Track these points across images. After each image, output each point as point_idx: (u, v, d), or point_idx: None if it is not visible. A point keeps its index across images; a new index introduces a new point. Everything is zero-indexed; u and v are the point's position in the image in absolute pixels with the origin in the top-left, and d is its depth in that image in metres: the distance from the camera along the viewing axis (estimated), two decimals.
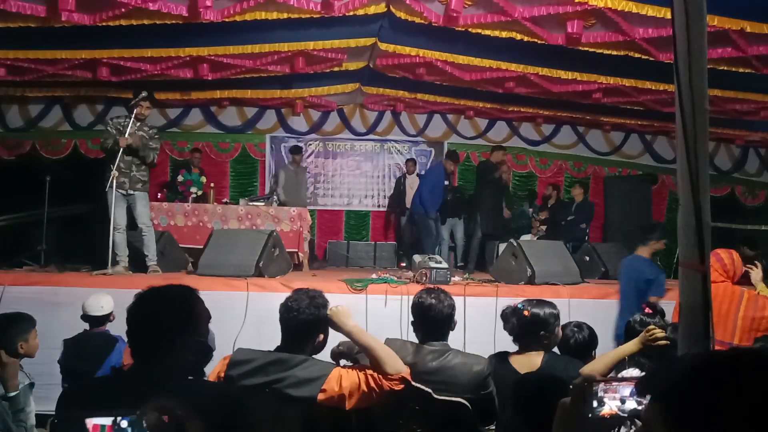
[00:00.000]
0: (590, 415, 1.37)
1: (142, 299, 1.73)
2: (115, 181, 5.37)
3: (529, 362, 2.71)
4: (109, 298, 3.72)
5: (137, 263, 5.61)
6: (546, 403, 2.03)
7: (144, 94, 5.57)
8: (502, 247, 8.62)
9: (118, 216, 5.44)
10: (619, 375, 2.63)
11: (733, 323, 3.36)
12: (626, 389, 1.46)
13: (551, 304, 2.82)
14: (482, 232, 7.97)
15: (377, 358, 2.22)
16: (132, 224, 5.66)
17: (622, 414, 1.40)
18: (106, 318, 3.65)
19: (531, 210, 9.78)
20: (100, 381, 2.04)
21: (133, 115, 5.47)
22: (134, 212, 5.59)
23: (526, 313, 2.76)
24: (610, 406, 1.38)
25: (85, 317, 3.64)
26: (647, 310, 2.79)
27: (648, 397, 0.92)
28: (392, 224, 10.01)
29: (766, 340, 2.73)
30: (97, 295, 3.73)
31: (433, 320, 2.63)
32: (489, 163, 8.21)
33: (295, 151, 9.26)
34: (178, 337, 1.68)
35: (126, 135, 5.39)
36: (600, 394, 1.38)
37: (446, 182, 8.22)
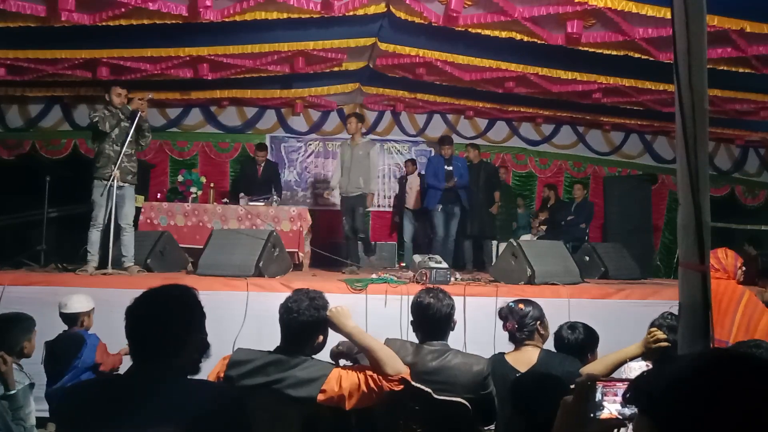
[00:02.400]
0: (592, 415, 1.35)
1: (140, 302, 1.71)
2: (105, 173, 5.30)
3: (526, 358, 2.75)
4: (82, 298, 3.71)
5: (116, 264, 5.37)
6: (545, 401, 2.04)
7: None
8: (498, 246, 8.62)
9: (101, 213, 5.32)
10: (624, 374, 2.63)
11: (731, 321, 3.37)
12: None
13: (532, 301, 2.98)
14: (469, 233, 7.91)
15: (377, 358, 2.22)
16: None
17: (621, 417, 1.38)
18: (76, 318, 3.63)
19: (523, 210, 9.85)
20: (100, 384, 2.03)
21: (113, 105, 5.44)
22: (120, 209, 5.38)
23: (521, 306, 2.87)
24: (610, 410, 1.36)
25: (60, 315, 3.65)
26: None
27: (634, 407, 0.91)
28: (393, 224, 10.00)
29: (743, 347, 2.72)
30: (71, 294, 3.73)
31: (432, 319, 2.64)
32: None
33: (352, 119, 7.05)
34: (180, 337, 1.66)
35: (108, 128, 5.34)
36: (599, 396, 1.36)
37: (448, 167, 7.46)
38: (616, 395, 1.38)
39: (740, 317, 3.37)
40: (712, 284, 3.16)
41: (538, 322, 2.85)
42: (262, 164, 8.53)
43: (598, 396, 1.36)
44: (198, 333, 1.74)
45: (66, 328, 3.67)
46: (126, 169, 5.46)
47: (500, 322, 2.96)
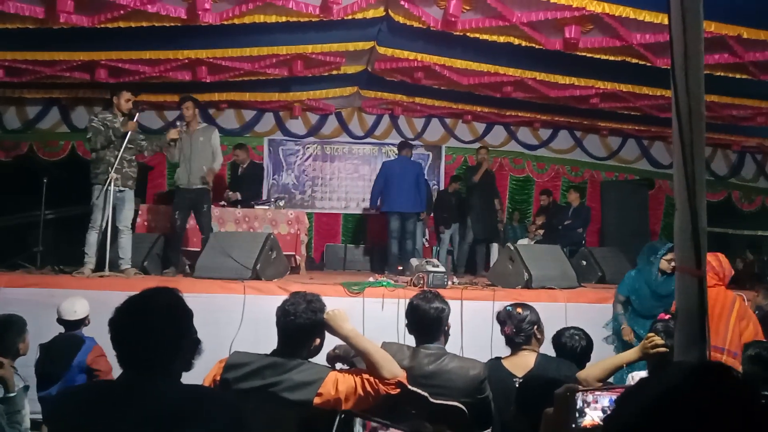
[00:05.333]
0: (573, 426, 1.35)
1: (123, 312, 1.65)
2: (104, 178, 5.29)
3: (523, 363, 2.74)
4: (84, 302, 3.71)
5: (113, 266, 5.38)
6: (548, 406, 2.04)
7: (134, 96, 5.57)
8: (493, 249, 8.66)
9: (99, 215, 5.34)
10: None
11: (726, 327, 3.44)
12: (606, 399, 1.44)
13: (529, 305, 2.94)
14: (474, 236, 7.92)
15: (374, 362, 2.21)
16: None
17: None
18: (81, 322, 3.65)
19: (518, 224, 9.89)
20: (92, 389, 2.00)
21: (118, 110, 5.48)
22: (119, 213, 5.40)
23: (519, 310, 2.84)
24: (592, 417, 1.36)
25: (60, 321, 3.64)
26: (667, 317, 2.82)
27: None
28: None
29: (759, 347, 2.74)
30: (72, 299, 3.72)
31: (423, 321, 2.64)
32: (472, 167, 8.24)
33: (189, 104, 6.11)
34: (170, 346, 1.63)
35: (99, 146, 5.37)
36: (580, 404, 1.37)
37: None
38: (596, 402, 1.38)
39: (734, 323, 3.45)
40: (708, 291, 3.24)
41: (536, 327, 2.83)
42: (243, 164, 8.24)
43: (579, 404, 1.37)
44: (188, 336, 1.70)
45: (62, 330, 3.66)
46: (127, 174, 5.48)
47: (497, 326, 2.95)
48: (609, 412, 0.97)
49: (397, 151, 7.95)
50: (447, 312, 2.68)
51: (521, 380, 2.55)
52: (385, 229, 9.91)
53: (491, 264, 8.15)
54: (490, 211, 8.10)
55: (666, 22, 1.63)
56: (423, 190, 7.59)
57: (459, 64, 6.78)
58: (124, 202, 5.48)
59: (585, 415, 1.36)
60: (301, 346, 2.31)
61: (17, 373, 3.08)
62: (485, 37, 5.87)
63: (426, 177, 9.19)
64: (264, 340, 2.49)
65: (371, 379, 2.19)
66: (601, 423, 1.35)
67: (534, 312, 2.88)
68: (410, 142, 8.55)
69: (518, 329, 2.79)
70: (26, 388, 3.09)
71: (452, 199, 8.85)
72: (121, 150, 5.31)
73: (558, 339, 3.05)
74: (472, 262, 8.33)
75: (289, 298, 2.38)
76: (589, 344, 3.02)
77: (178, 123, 6.09)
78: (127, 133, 5.38)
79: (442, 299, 2.72)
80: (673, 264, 4.46)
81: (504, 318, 2.85)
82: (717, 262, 3.60)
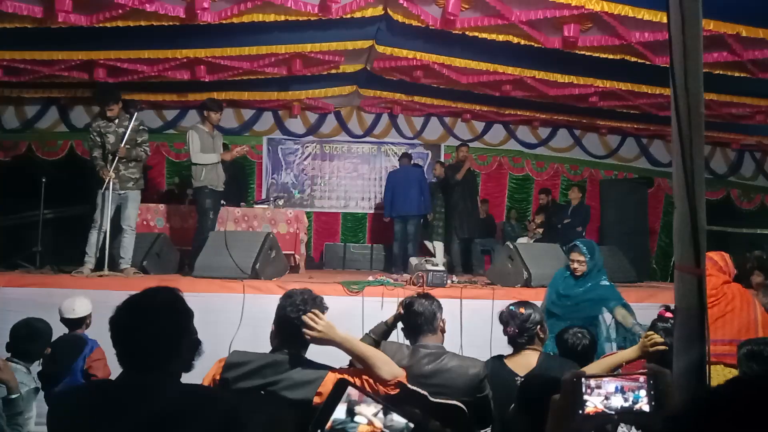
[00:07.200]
0: (580, 411, 1.36)
1: (124, 311, 1.64)
2: (107, 180, 5.31)
3: (525, 362, 2.72)
4: (85, 301, 3.70)
5: (113, 266, 5.41)
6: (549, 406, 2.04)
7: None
8: (474, 248, 8.64)
9: (99, 214, 5.36)
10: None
11: (754, 317, 3.49)
12: (611, 385, 1.45)
13: (532, 303, 2.90)
14: (458, 236, 7.91)
15: (372, 365, 2.20)
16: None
17: (608, 411, 1.40)
18: (81, 321, 3.63)
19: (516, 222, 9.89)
20: (91, 389, 1.99)
21: (108, 118, 5.49)
22: (122, 212, 5.45)
23: (522, 310, 2.78)
24: (595, 403, 1.37)
25: (62, 320, 3.63)
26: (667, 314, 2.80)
27: None
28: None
29: (750, 344, 2.75)
30: (72, 298, 3.71)
31: (410, 317, 2.68)
32: (453, 165, 8.23)
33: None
34: (170, 345, 1.63)
35: (110, 143, 5.43)
36: (585, 390, 1.38)
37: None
38: (600, 389, 1.40)
39: (762, 313, 3.50)
40: (727, 287, 3.32)
41: (539, 327, 2.78)
42: None
43: (585, 390, 1.38)
44: (188, 335, 1.70)
45: (65, 329, 3.65)
46: (124, 177, 5.48)
47: (497, 325, 2.91)
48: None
49: (396, 152, 7.99)
50: (434, 305, 2.68)
51: (523, 379, 2.54)
52: (384, 229, 9.98)
53: (473, 263, 8.22)
54: (472, 210, 8.05)
55: (665, 20, 1.62)
56: (426, 193, 7.73)
57: (458, 62, 6.78)
58: (127, 201, 5.50)
59: (587, 402, 1.37)
60: (301, 345, 2.30)
61: (30, 374, 3.05)
62: (484, 35, 5.87)
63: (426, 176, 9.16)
64: (263, 339, 2.48)
65: (371, 380, 2.19)
66: (604, 409, 1.36)
67: (537, 310, 2.81)
68: (408, 152, 8.76)
69: (521, 330, 2.74)
70: (36, 390, 3.05)
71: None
72: (114, 161, 5.35)
73: (561, 337, 3.03)
74: (467, 261, 8.28)
75: (288, 296, 2.37)
76: (593, 343, 3.01)
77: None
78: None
79: (430, 297, 2.73)
80: (576, 264, 4.06)
81: (506, 318, 2.80)
82: (723, 261, 3.60)
